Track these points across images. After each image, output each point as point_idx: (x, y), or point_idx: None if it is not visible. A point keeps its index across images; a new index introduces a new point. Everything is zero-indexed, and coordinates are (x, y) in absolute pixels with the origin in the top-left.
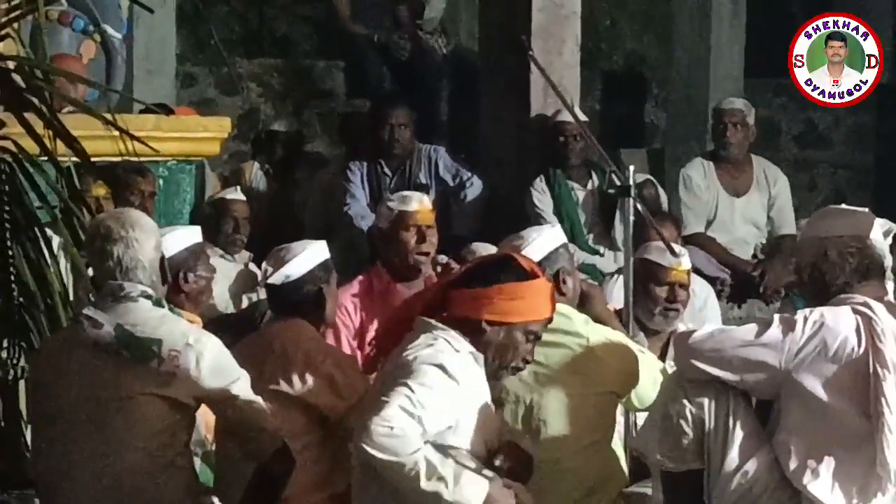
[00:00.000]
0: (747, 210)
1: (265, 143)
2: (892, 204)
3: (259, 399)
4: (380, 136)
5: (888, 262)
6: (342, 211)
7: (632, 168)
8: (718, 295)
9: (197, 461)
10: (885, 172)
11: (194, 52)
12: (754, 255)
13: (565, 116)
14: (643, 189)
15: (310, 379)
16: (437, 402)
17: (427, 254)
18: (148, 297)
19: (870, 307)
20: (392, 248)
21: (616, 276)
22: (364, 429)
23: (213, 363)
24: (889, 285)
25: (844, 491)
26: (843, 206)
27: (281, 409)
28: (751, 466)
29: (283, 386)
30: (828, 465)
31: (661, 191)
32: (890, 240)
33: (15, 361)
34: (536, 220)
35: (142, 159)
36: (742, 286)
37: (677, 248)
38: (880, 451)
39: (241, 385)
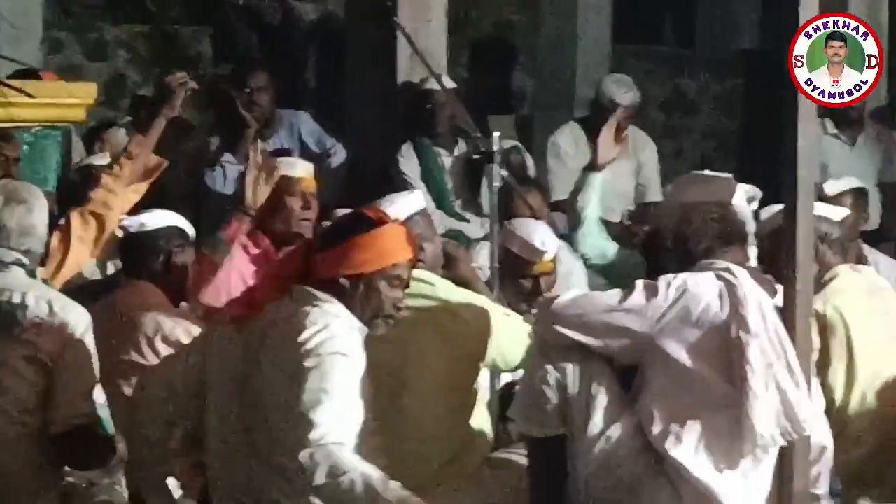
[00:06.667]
0: (615, 177)
1: (131, 108)
2: (757, 170)
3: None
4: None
5: (750, 227)
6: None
7: (496, 134)
8: None
9: None
10: (751, 139)
11: (61, 17)
12: (620, 222)
13: (433, 84)
14: (509, 155)
15: (161, 347)
16: (354, 391)
17: (309, 220)
18: (21, 265)
19: (732, 273)
20: (277, 214)
21: (483, 242)
22: (311, 458)
23: (77, 332)
24: (751, 251)
25: (709, 455)
26: (707, 172)
27: (137, 381)
28: (614, 431)
29: (134, 356)
30: (691, 429)
31: (528, 157)
32: (754, 205)
33: None
34: (403, 186)
35: (5, 125)
36: None
37: (545, 238)
38: (745, 416)
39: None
